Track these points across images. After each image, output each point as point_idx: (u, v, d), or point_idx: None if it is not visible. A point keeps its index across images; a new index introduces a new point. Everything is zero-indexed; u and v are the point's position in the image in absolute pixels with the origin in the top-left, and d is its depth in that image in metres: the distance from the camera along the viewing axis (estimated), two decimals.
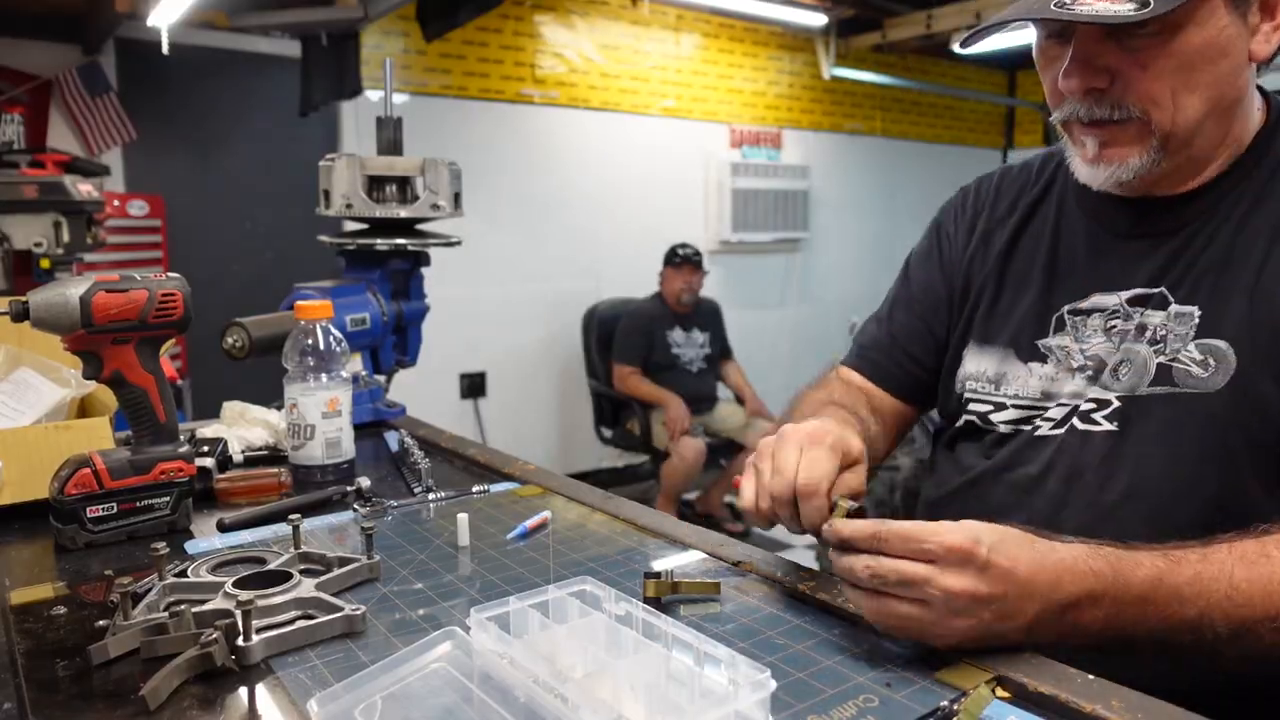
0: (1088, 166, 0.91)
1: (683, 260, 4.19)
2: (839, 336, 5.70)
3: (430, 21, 3.67)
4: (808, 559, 3.30)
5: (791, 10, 4.78)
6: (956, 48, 0.98)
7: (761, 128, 5.37)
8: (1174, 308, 0.90)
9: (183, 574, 0.83)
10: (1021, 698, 0.66)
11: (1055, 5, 0.83)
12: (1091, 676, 0.67)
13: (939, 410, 1.14)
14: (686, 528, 1.02)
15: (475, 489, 1.17)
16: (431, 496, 1.14)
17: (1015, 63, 6.31)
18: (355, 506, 1.10)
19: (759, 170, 5.26)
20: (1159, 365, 0.89)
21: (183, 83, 3.82)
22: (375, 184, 1.57)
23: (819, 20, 4.98)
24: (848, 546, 0.72)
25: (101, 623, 0.75)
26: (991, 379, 1.02)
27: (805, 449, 0.82)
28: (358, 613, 0.76)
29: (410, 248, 1.59)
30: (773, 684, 0.58)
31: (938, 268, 1.14)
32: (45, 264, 2.37)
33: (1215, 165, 0.92)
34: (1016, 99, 6.55)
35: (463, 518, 0.98)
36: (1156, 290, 0.92)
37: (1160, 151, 0.88)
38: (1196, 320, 0.88)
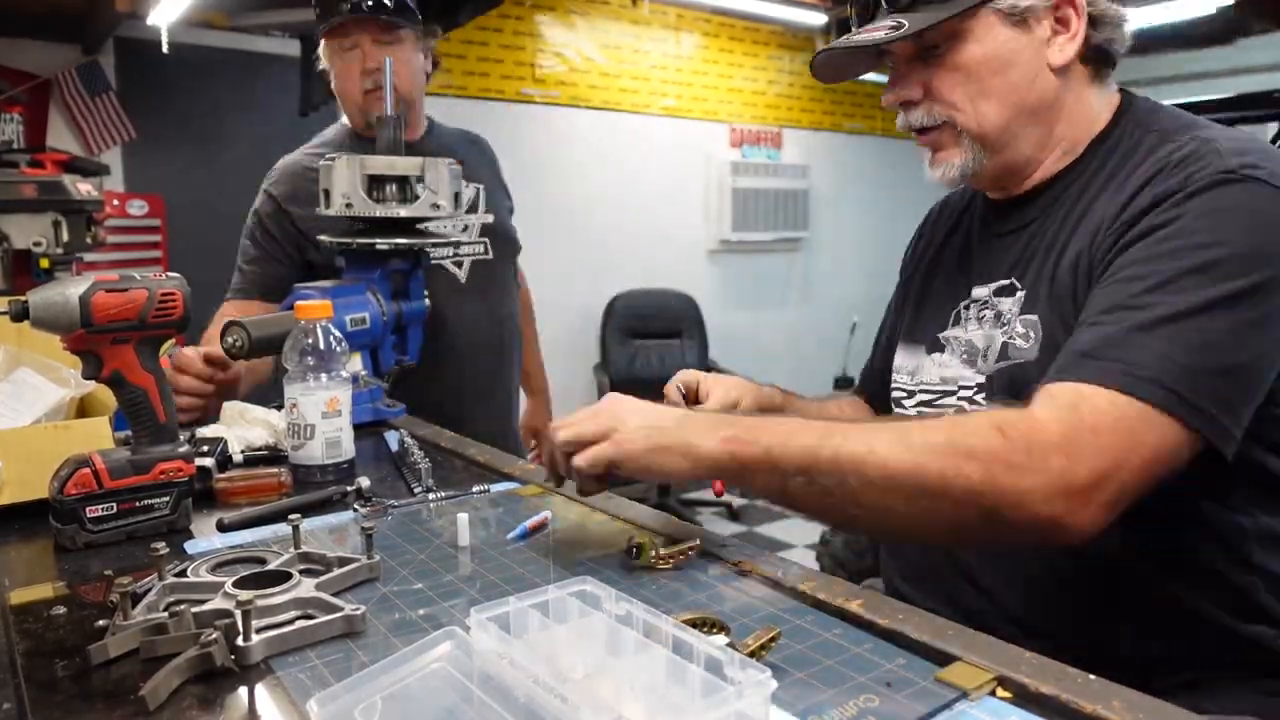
0: (928, 170, 1.06)
1: None
2: (839, 336, 5.71)
3: (430, 21, 3.66)
4: (808, 559, 3.30)
5: (791, 10, 4.78)
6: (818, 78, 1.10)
7: (761, 127, 5.36)
8: (1018, 294, 1.01)
9: (182, 574, 0.83)
10: (1022, 698, 0.66)
11: (846, 39, 1.02)
12: (1092, 676, 0.67)
13: None
14: (686, 528, 1.02)
15: (475, 489, 1.17)
16: (431, 496, 1.14)
17: None
18: (355, 506, 1.10)
19: (759, 170, 5.26)
20: (1001, 344, 1.01)
21: (182, 82, 3.81)
22: (375, 183, 1.57)
23: (819, 20, 4.97)
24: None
25: (101, 623, 0.75)
26: (910, 371, 1.15)
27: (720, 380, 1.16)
28: (357, 613, 0.76)
29: (410, 247, 1.59)
30: (773, 684, 0.58)
31: (899, 292, 1.28)
32: (45, 264, 2.37)
33: (1051, 162, 1.03)
34: None
35: (463, 518, 0.98)
36: (1009, 280, 1.03)
37: (979, 150, 1.01)
38: (1022, 299, 1.00)
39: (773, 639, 0.71)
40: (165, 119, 3.80)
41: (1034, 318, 0.97)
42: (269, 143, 4.04)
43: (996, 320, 1.02)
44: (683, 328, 4.81)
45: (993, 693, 0.67)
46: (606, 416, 0.90)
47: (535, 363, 2.34)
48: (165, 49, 3.40)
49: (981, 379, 1.03)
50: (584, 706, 0.56)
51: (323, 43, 1.82)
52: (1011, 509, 0.78)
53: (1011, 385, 0.97)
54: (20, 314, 0.92)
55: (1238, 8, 3.88)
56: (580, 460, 0.90)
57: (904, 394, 1.15)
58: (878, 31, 0.97)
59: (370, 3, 1.74)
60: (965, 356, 1.06)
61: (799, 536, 4.16)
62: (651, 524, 1.03)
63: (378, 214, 1.56)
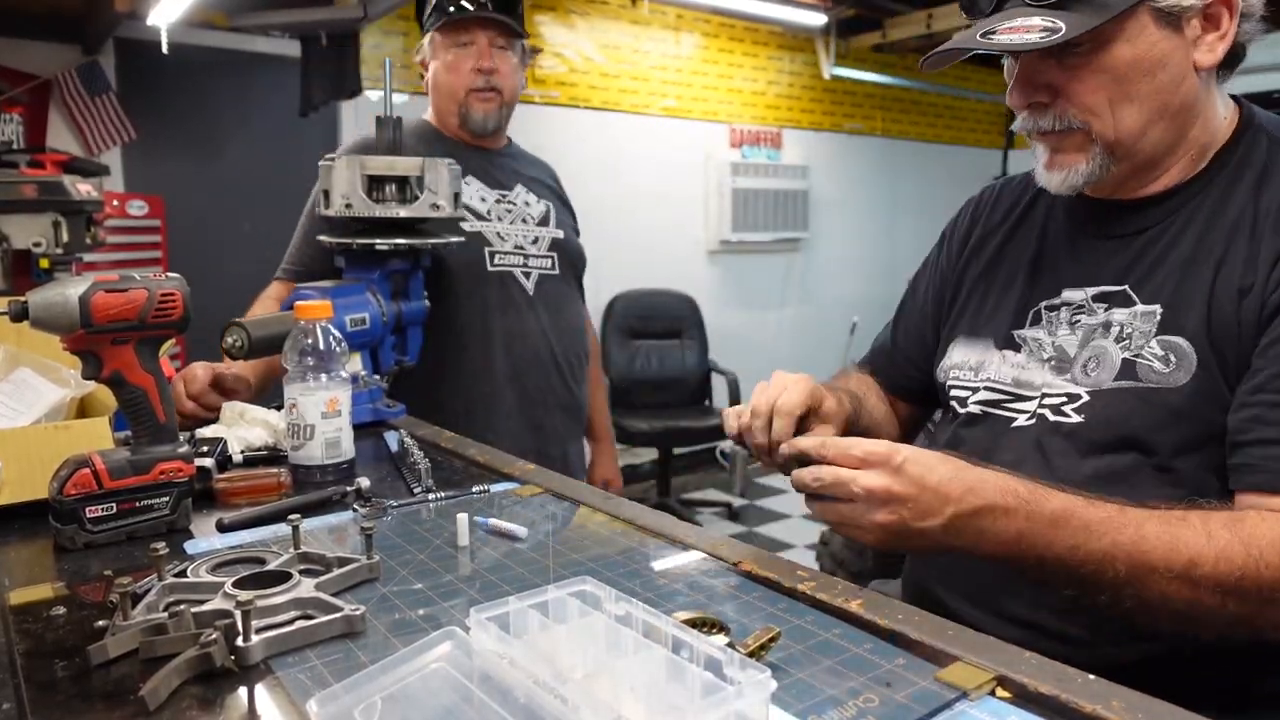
0: (1044, 173, 0.99)
1: None
2: (839, 336, 5.71)
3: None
4: (808, 559, 3.30)
5: (791, 10, 4.78)
6: (920, 66, 1.03)
7: (761, 128, 5.37)
8: (1139, 306, 0.94)
9: (182, 574, 0.83)
10: (1022, 698, 0.66)
11: (981, 36, 0.91)
12: (1092, 676, 0.67)
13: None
14: (686, 528, 1.02)
15: (475, 489, 1.17)
16: (431, 496, 1.14)
17: None
18: (355, 507, 1.10)
19: (759, 170, 5.26)
20: (1124, 360, 0.93)
21: (182, 83, 3.82)
22: (374, 184, 1.57)
23: (819, 20, 4.98)
24: (803, 460, 0.85)
25: (101, 623, 0.75)
26: (973, 367, 1.08)
27: (787, 385, 0.98)
28: (357, 613, 0.76)
29: (410, 248, 1.59)
30: (773, 684, 0.58)
31: (937, 275, 1.22)
32: (44, 264, 2.37)
33: (1179, 169, 0.97)
34: None
35: (463, 518, 0.98)
36: (1120, 288, 0.97)
37: (1107, 158, 0.94)
38: (1159, 318, 0.92)
39: (773, 639, 0.71)
40: (165, 119, 3.80)
41: (1179, 341, 0.90)
42: (269, 143, 4.06)
43: (1105, 330, 0.95)
44: (683, 328, 4.81)
45: (992, 693, 0.67)
46: (914, 487, 0.80)
47: (602, 406, 2.29)
48: (165, 49, 3.40)
49: (1080, 391, 0.95)
50: (584, 706, 0.56)
51: (433, 34, 1.86)
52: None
53: (1140, 408, 0.90)
54: (20, 314, 0.92)
55: None
56: (824, 512, 0.85)
57: (966, 391, 1.07)
58: (1029, 34, 0.87)
59: (497, 8, 1.82)
60: (1053, 363, 0.99)
61: (799, 537, 4.16)
62: (652, 524, 1.03)
63: (377, 214, 1.56)
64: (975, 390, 1.06)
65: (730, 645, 0.68)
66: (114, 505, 0.98)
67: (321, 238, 1.65)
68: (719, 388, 4.57)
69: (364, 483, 1.15)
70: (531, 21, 4.46)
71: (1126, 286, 0.96)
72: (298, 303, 1.26)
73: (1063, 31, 0.86)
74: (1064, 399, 0.96)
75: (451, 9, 1.81)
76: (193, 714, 0.65)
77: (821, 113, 5.67)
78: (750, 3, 4.60)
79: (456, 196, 1.65)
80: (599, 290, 4.67)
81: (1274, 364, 0.85)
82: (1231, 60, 0.95)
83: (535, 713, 0.58)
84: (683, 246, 5.11)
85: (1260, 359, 0.86)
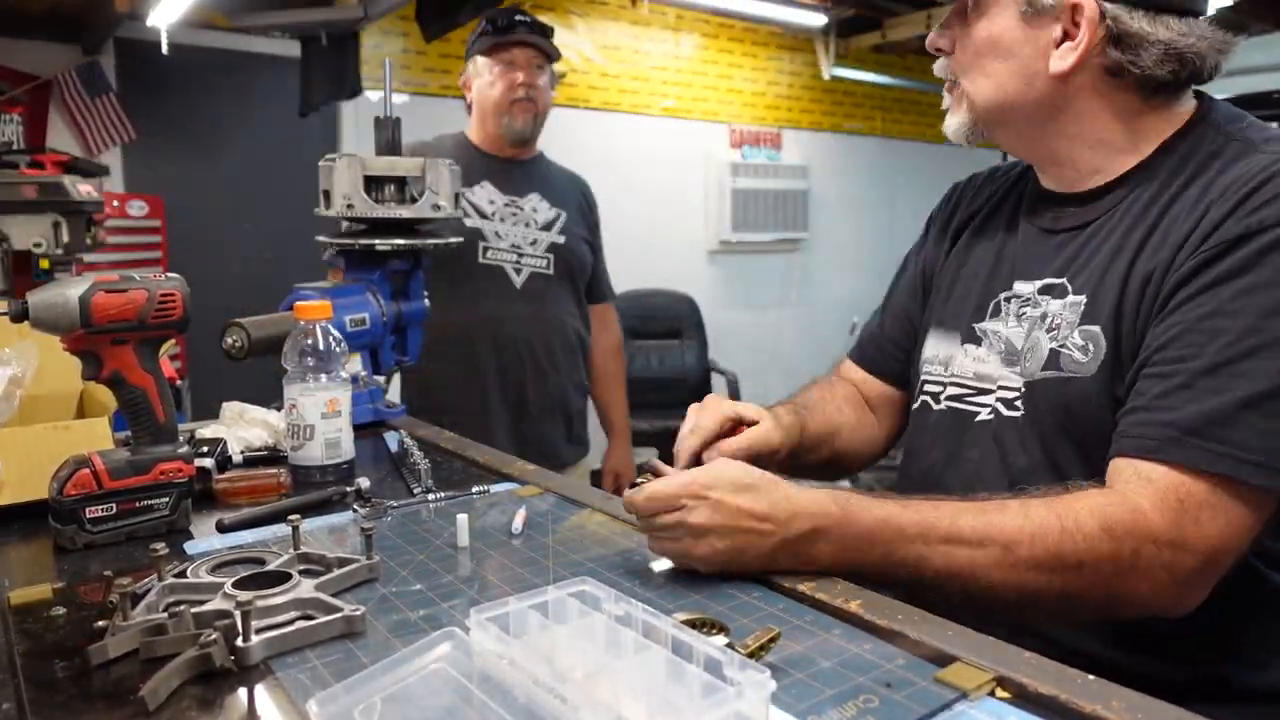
0: (947, 118, 1.07)
1: None
2: (839, 336, 5.70)
3: (430, 22, 3.67)
4: None
5: (791, 10, 4.78)
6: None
7: (761, 128, 5.37)
8: (1070, 297, 0.97)
9: (182, 574, 0.83)
10: (1022, 698, 0.66)
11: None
12: (1091, 677, 0.67)
13: None
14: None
15: (475, 489, 1.17)
16: (431, 497, 1.14)
17: None
18: (355, 507, 1.10)
19: (759, 170, 5.26)
20: (1049, 351, 0.96)
21: (183, 83, 3.82)
22: (374, 184, 1.57)
23: (819, 20, 4.98)
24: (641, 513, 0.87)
25: (101, 623, 0.75)
26: (942, 362, 1.10)
27: (705, 408, 1.08)
28: (357, 613, 0.76)
29: (410, 248, 1.59)
30: (773, 684, 0.58)
31: (920, 259, 1.24)
32: (45, 264, 2.37)
33: (1101, 160, 0.98)
34: None
35: (462, 518, 0.98)
36: (1060, 280, 0.99)
37: (972, 116, 1.02)
38: (1082, 308, 0.95)
39: (772, 639, 0.71)
40: (165, 119, 3.80)
41: (1096, 329, 0.92)
42: (269, 143, 4.06)
43: (1042, 321, 0.98)
44: (682, 328, 4.81)
45: (992, 693, 0.67)
46: (734, 519, 0.83)
47: (617, 401, 2.47)
48: (165, 49, 3.40)
49: (1020, 384, 0.98)
50: (584, 707, 0.56)
51: (480, 58, 2.14)
52: (1125, 606, 0.83)
53: (1060, 399, 0.93)
54: (20, 314, 0.92)
55: (1237, 8, 3.88)
56: (654, 546, 0.89)
57: (937, 387, 1.09)
58: None
59: (534, 32, 2.12)
60: (1004, 355, 1.02)
61: None
62: None
63: (378, 215, 1.56)
64: (945, 386, 1.08)
65: (730, 645, 0.68)
66: (114, 505, 0.98)
67: (321, 238, 1.65)
68: (719, 388, 4.56)
69: (364, 483, 1.15)
70: None
71: (1065, 279, 0.98)
72: (297, 303, 1.26)
73: None
74: (1013, 392, 0.99)
75: (497, 27, 2.11)
76: (193, 714, 0.65)
77: (821, 113, 5.67)
78: (750, 3, 4.60)
79: (457, 196, 1.65)
80: None
81: (1157, 339, 0.86)
82: (1147, 84, 0.93)
83: (535, 713, 0.58)
84: (683, 246, 5.11)
85: (1149, 337, 0.87)
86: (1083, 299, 0.95)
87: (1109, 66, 0.94)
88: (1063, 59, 0.94)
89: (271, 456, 1.29)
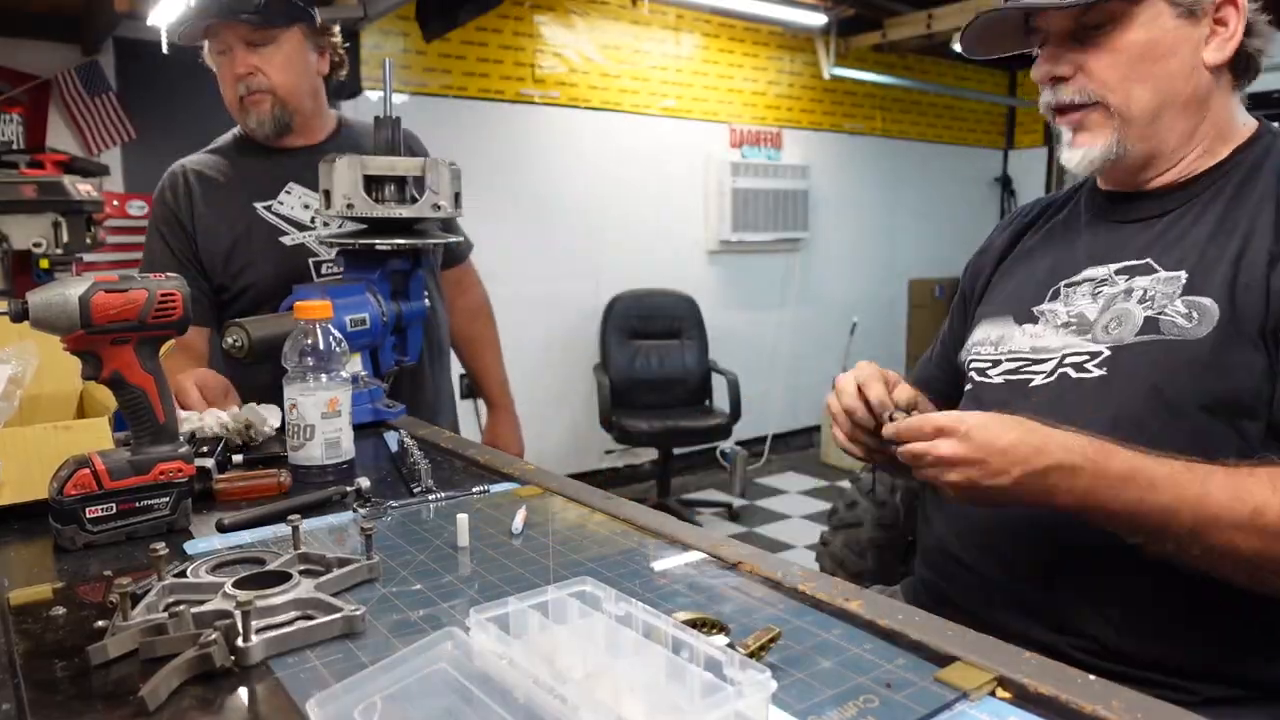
0: (1067, 151, 1.06)
1: None
2: (839, 337, 5.71)
3: (430, 21, 3.67)
4: (808, 559, 3.30)
5: (791, 10, 4.78)
6: (957, 46, 1.10)
7: (761, 128, 5.36)
8: (1162, 274, 1.00)
9: (182, 574, 0.83)
10: (1022, 698, 0.66)
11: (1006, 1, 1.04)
12: (1092, 677, 0.67)
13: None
14: (686, 528, 1.02)
15: (475, 489, 1.17)
16: (431, 497, 1.14)
17: (1016, 62, 6.31)
18: (355, 507, 1.10)
19: (759, 170, 5.26)
20: (1146, 318, 0.98)
21: (182, 83, 3.81)
22: (374, 184, 1.57)
23: (819, 20, 4.98)
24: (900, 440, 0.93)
25: (100, 623, 0.75)
26: (994, 342, 1.14)
27: (860, 367, 1.06)
28: (357, 613, 0.76)
29: (411, 248, 1.59)
30: (773, 684, 0.58)
31: (973, 272, 1.29)
32: (44, 264, 2.37)
33: (1191, 160, 1.04)
34: (1017, 99, 6.55)
35: (463, 518, 0.98)
36: (1142, 261, 1.03)
37: (1124, 136, 1.02)
38: (1183, 281, 0.98)
39: (773, 639, 0.71)
40: (165, 119, 3.80)
41: (1206, 301, 0.95)
42: None
43: (1128, 295, 1.01)
44: (682, 328, 4.81)
45: (992, 693, 0.67)
46: (982, 451, 0.87)
47: (492, 370, 2.13)
48: (165, 49, 3.40)
49: (1101, 349, 1.01)
50: (583, 707, 0.56)
51: (206, 44, 1.74)
52: None
53: (1162, 359, 0.96)
54: (20, 314, 0.92)
55: None
56: (916, 473, 0.93)
57: (988, 364, 1.13)
58: None
59: (239, 5, 1.63)
60: (1074, 327, 1.05)
61: (799, 537, 4.15)
62: (652, 524, 1.03)
63: (378, 214, 1.56)
64: (997, 363, 1.11)
65: (730, 645, 0.68)
66: (114, 505, 0.98)
67: (321, 237, 1.65)
68: (719, 388, 4.56)
69: (364, 483, 1.15)
70: (531, 21, 4.46)
71: (1150, 259, 1.02)
72: (298, 303, 1.26)
73: None
74: (1086, 356, 1.01)
75: (199, 16, 1.66)
76: (192, 714, 0.65)
77: (821, 113, 5.67)
78: (750, 3, 4.59)
79: (457, 196, 1.65)
80: (599, 290, 4.67)
81: None
82: (1245, 70, 1.04)
83: (535, 713, 0.58)
84: (683, 246, 5.10)
85: None
86: (1181, 274, 0.98)
87: (1238, 58, 1.01)
88: (1219, 50, 1.00)
89: (272, 456, 1.29)
